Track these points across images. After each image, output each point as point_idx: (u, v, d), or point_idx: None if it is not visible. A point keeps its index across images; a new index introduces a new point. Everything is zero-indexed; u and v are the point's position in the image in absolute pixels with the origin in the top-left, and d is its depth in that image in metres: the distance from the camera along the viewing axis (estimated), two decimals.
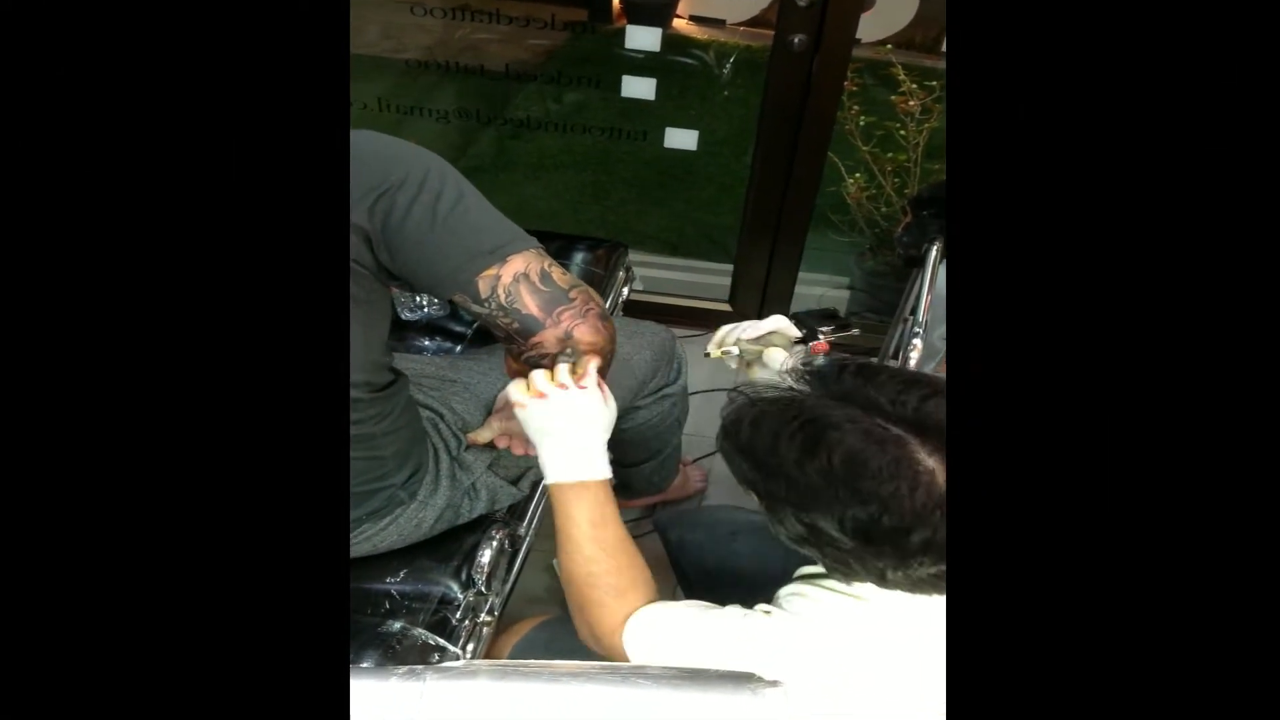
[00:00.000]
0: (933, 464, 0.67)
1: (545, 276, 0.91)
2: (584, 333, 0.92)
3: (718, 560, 1.24)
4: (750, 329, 0.95)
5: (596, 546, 0.94)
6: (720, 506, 1.43)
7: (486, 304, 0.89)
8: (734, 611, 0.82)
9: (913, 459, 0.67)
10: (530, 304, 0.90)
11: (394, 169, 0.87)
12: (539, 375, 0.92)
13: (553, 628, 1.16)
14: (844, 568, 0.74)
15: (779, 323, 0.94)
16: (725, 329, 1.12)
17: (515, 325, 0.91)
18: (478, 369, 1.26)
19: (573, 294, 0.92)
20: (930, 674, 0.73)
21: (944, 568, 0.69)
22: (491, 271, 0.88)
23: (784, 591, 0.83)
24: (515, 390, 0.96)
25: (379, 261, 0.89)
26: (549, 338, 0.91)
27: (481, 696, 0.54)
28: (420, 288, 0.92)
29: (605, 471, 0.96)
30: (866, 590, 0.78)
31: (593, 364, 0.92)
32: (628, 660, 0.87)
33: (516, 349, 0.94)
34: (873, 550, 0.70)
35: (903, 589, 0.75)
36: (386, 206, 0.86)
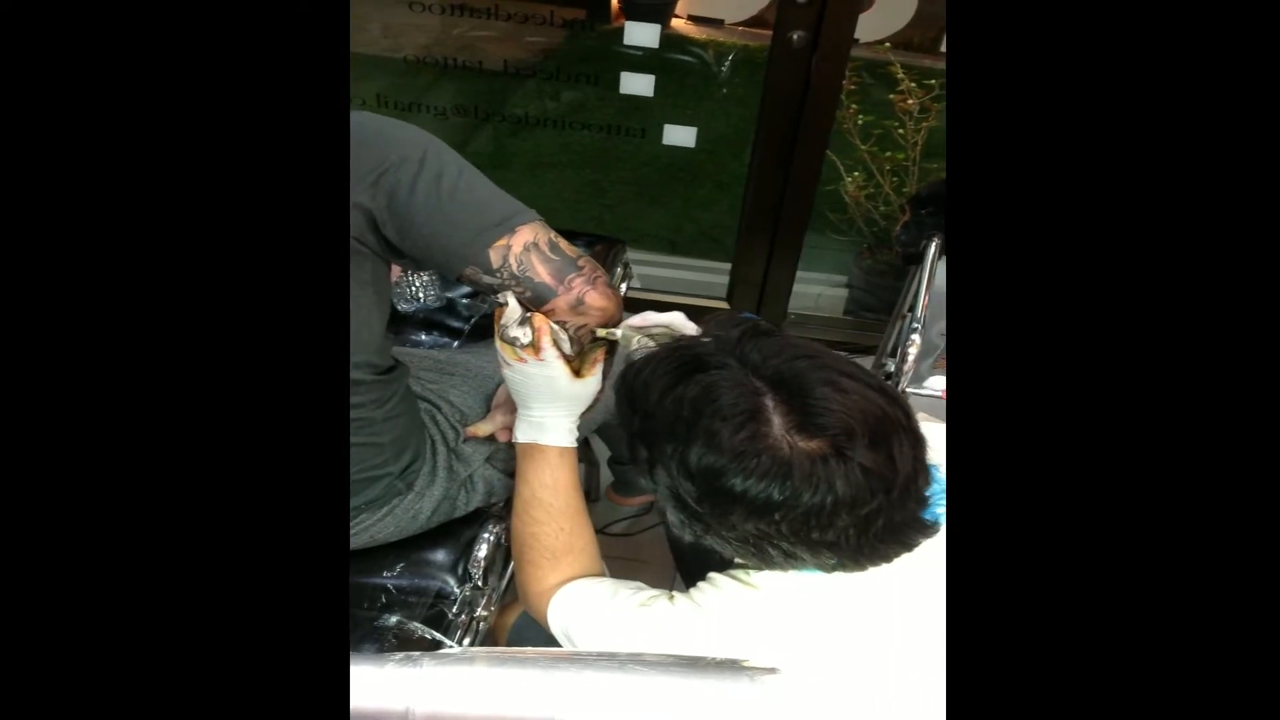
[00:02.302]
0: (774, 416, 0.69)
1: (554, 246, 0.92)
2: (595, 298, 0.93)
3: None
4: (641, 319, 0.97)
5: (543, 510, 0.98)
6: None
7: (499, 274, 0.91)
8: (643, 595, 0.85)
9: (756, 405, 0.69)
10: (542, 272, 0.91)
11: (393, 148, 0.87)
12: (499, 348, 0.94)
13: None
14: (676, 512, 0.76)
15: (673, 319, 0.96)
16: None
17: (528, 294, 0.92)
18: (475, 362, 1.26)
19: (581, 262, 0.93)
20: (816, 660, 0.75)
21: (761, 525, 0.70)
22: (502, 242, 0.90)
23: (706, 579, 0.85)
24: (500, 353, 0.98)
25: (385, 241, 0.90)
26: (562, 304, 0.93)
27: (478, 683, 0.54)
28: (430, 264, 0.93)
29: (565, 441, 0.98)
30: (761, 579, 0.80)
31: (545, 339, 0.93)
32: (548, 624, 0.91)
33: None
34: (692, 493, 0.72)
35: (731, 551, 0.76)
36: (390, 185, 0.87)
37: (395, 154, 0.87)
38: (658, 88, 1.98)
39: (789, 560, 0.74)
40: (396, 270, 1.50)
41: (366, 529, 1.11)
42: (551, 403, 0.96)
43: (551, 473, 0.98)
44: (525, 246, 0.91)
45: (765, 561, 0.76)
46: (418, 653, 0.55)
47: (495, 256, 0.90)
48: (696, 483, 0.71)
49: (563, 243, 0.93)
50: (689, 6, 2.10)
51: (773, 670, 0.55)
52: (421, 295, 1.56)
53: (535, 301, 0.92)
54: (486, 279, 0.91)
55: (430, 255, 0.91)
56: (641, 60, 1.97)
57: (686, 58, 2.17)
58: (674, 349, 0.78)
